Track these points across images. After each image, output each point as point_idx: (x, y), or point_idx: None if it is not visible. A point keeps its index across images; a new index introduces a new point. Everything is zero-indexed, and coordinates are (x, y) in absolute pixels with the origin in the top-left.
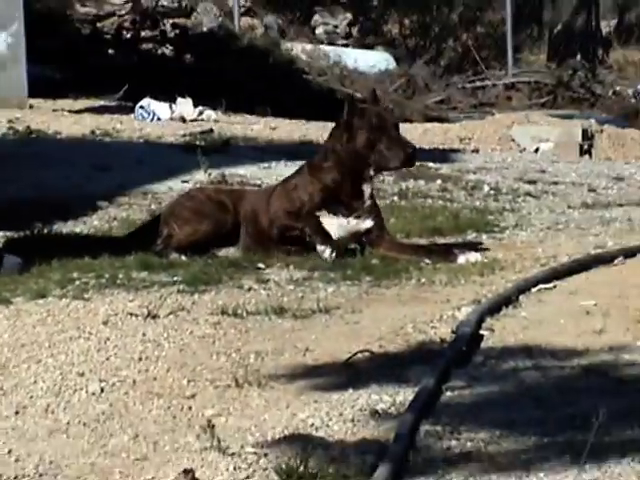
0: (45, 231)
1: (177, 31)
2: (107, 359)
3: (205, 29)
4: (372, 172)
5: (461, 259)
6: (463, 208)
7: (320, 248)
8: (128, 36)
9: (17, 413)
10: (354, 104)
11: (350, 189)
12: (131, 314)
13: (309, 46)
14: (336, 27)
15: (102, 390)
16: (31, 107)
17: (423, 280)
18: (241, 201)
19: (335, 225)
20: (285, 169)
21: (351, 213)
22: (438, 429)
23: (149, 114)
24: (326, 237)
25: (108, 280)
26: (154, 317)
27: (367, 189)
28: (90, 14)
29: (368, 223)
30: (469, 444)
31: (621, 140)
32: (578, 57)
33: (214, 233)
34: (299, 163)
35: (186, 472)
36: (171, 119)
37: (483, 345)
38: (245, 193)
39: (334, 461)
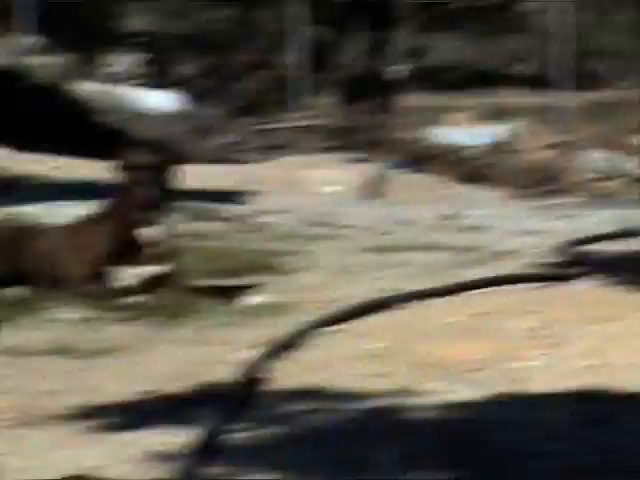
0: None
1: None
2: None
3: None
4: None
5: (245, 301)
6: (249, 250)
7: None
8: None
9: None
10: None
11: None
12: None
13: (98, 86)
14: (126, 67)
15: None
16: None
17: (207, 322)
18: (32, 239)
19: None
20: (71, 209)
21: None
22: (220, 471)
23: None
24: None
25: None
26: None
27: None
28: None
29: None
30: None
31: (411, 184)
32: (370, 102)
33: None
34: (86, 203)
35: None
36: None
37: (265, 388)
38: (35, 230)
39: None
